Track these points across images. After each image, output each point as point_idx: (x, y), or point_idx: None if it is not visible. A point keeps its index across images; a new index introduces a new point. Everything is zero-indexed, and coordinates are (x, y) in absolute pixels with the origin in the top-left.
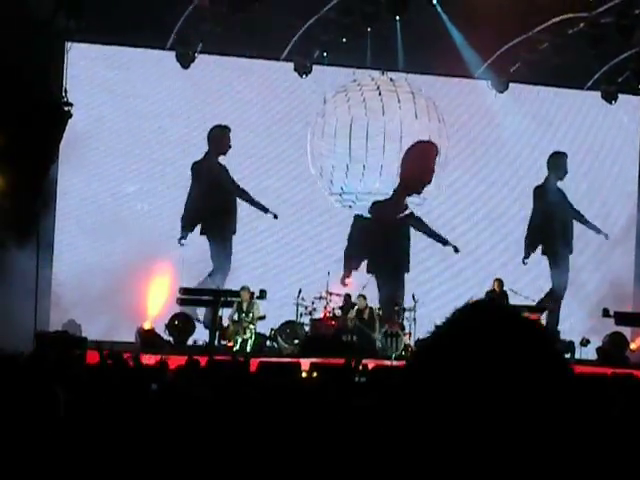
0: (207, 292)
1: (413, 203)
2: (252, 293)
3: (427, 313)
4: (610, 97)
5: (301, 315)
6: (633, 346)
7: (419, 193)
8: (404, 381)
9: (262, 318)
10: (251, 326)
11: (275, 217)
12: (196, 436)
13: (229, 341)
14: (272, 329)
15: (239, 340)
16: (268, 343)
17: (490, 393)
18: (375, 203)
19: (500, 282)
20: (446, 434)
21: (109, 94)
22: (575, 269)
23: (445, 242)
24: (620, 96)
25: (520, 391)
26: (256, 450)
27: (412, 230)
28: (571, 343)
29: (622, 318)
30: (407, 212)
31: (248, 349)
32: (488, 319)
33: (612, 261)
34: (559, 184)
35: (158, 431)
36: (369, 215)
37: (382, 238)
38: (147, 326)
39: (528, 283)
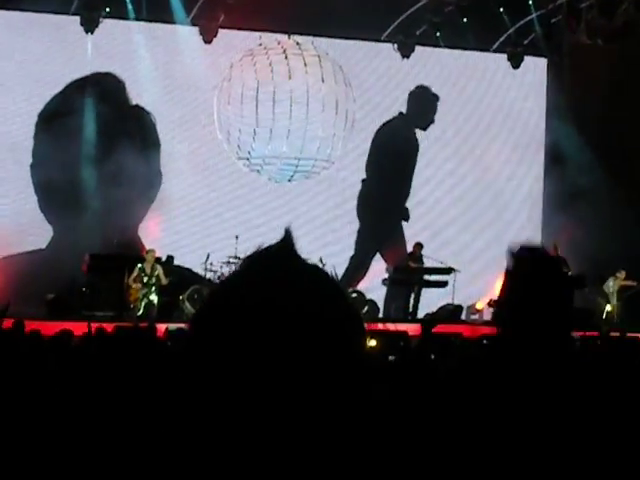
0: (115, 258)
1: (319, 166)
2: (158, 258)
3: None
4: (516, 59)
5: (209, 281)
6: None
7: None
8: (190, 331)
9: (166, 285)
10: (153, 288)
11: None
12: (100, 402)
13: (133, 305)
14: (180, 295)
15: (144, 303)
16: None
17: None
18: None
19: (420, 246)
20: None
21: (10, 60)
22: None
23: None
24: (526, 58)
25: (301, 343)
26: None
27: (316, 191)
28: (458, 307)
29: None
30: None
31: (154, 313)
32: (275, 269)
33: (518, 226)
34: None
35: (58, 398)
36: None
37: None
38: None
39: (442, 245)
